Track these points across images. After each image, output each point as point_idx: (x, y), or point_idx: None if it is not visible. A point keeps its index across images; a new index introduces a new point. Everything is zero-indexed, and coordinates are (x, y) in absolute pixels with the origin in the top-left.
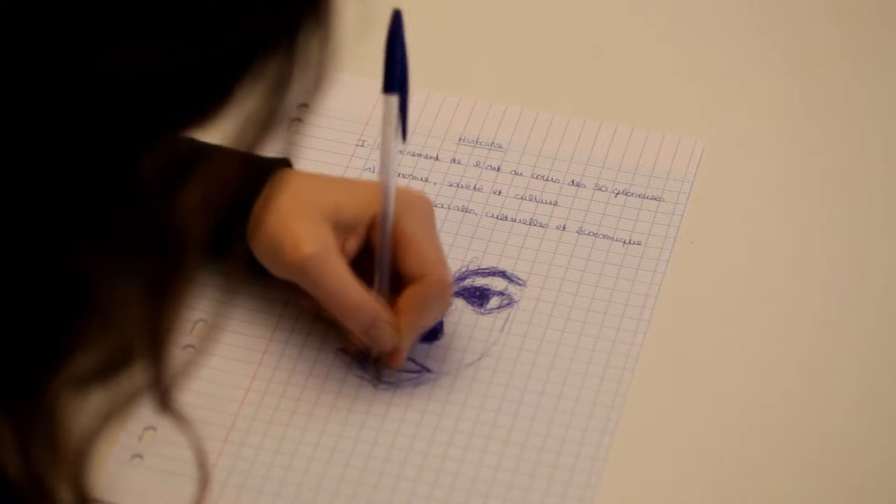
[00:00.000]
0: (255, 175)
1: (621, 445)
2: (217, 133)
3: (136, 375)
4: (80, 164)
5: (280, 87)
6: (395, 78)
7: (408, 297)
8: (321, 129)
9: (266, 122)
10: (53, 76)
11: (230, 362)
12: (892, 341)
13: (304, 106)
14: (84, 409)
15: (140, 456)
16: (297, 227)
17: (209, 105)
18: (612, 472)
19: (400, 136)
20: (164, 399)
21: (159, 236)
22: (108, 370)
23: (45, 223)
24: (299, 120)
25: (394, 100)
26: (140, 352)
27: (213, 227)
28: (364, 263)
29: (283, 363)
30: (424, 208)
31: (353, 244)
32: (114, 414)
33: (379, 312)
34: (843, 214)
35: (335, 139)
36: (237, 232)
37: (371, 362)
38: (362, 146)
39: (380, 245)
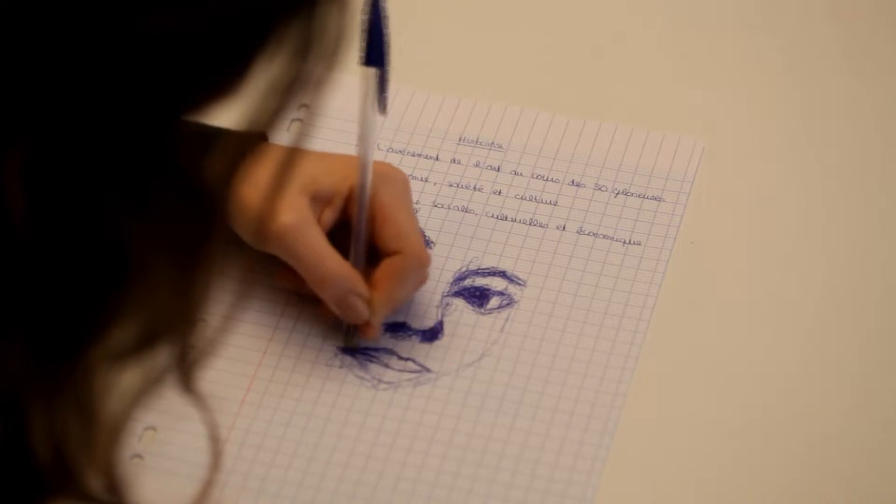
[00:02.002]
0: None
1: (621, 445)
2: (240, 104)
3: (166, 352)
4: (116, 126)
5: (300, 53)
6: (374, 50)
7: (384, 269)
8: (321, 129)
9: (287, 90)
10: (88, 34)
11: (230, 362)
12: (891, 341)
13: (305, 106)
14: (116, 387)
15: (140, 456)
16: None
17: (235, 66)
18: (612, 472)
19: (379, 109)
20: (187, 377)
21: (192, 201)
22: (144, 344)
23: (83, 188)
24: (300, 120)
25: (372, 72)
26: (172, 326)
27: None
28: (340, 237)
29: (283, 363)
30: (401, 182)
31: (330, 216)
32: (145, 392)
33: (353, 284)
34: (843, 214)
35: (335, 139)
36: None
37: (344, 332)
38: None
39: (356, 218)
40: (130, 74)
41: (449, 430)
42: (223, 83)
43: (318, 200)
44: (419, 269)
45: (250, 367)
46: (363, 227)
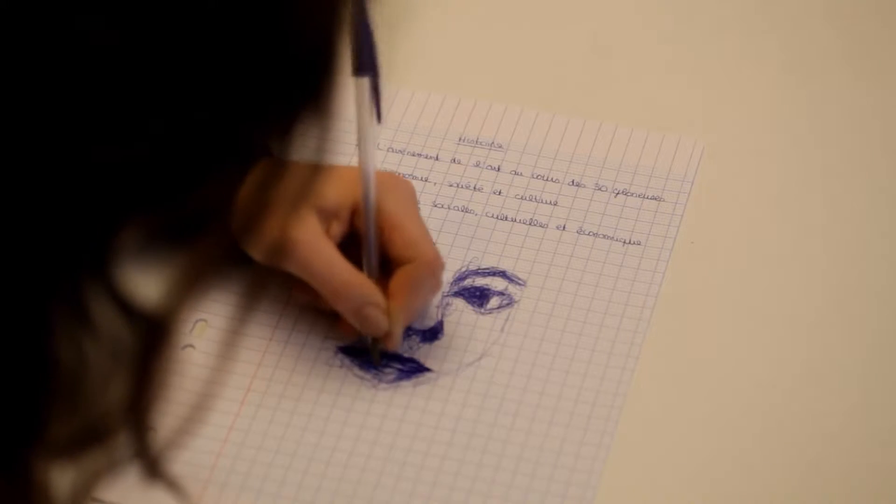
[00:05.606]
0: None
1: (621, 445)
2: None
3: (120, 444)
4: (53, 236)
5: (275, 175)
6: (364, 59)
7: (399, 278)
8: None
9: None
10: (43, 157)
11: (230, 362)
12: (892, 341)
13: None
14: (69, 471)
15: None
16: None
17: (183, 192)
18: (612, 472)
19: (375, 118)
20: (152, 468)
21: (132, 313)
22: (85, 441)
23: (15, 291)
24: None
25: (365, 82)
26: (119, 423)
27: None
28: (352, 250)
29: (283, 363)
30: (406, 190)
31: (338, 229)
32: (100, 476)
33: (369, 294)
34: (843, 214)
35: (335, 139)
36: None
37: (369, 346)
38: None
39: (365, 229)
40: (75, 190)
41: (449, 430)
42: (173, 203)
43: (324, 214)
44: (432, 276)
45: (250, 367)
46: (373, 238)
